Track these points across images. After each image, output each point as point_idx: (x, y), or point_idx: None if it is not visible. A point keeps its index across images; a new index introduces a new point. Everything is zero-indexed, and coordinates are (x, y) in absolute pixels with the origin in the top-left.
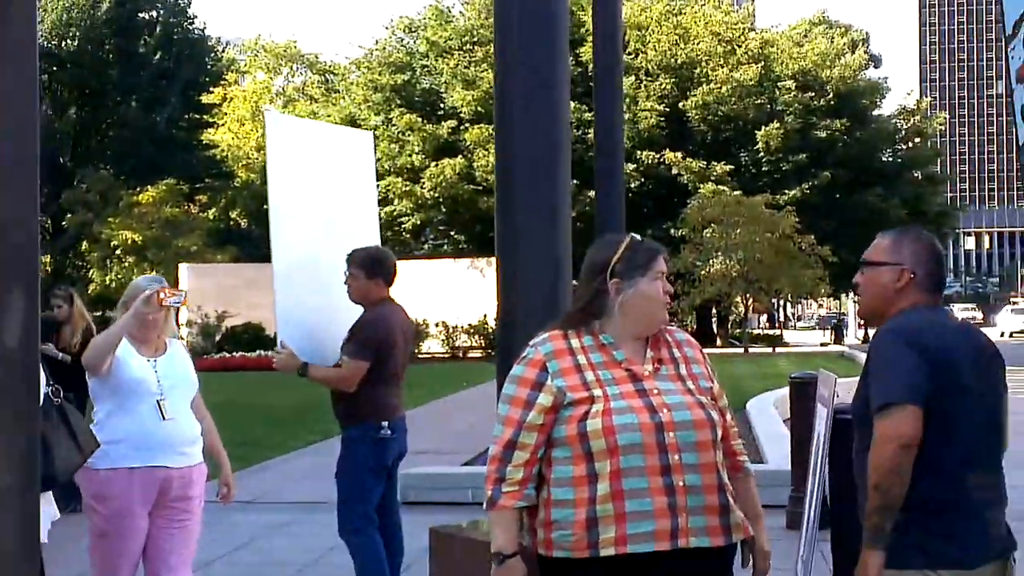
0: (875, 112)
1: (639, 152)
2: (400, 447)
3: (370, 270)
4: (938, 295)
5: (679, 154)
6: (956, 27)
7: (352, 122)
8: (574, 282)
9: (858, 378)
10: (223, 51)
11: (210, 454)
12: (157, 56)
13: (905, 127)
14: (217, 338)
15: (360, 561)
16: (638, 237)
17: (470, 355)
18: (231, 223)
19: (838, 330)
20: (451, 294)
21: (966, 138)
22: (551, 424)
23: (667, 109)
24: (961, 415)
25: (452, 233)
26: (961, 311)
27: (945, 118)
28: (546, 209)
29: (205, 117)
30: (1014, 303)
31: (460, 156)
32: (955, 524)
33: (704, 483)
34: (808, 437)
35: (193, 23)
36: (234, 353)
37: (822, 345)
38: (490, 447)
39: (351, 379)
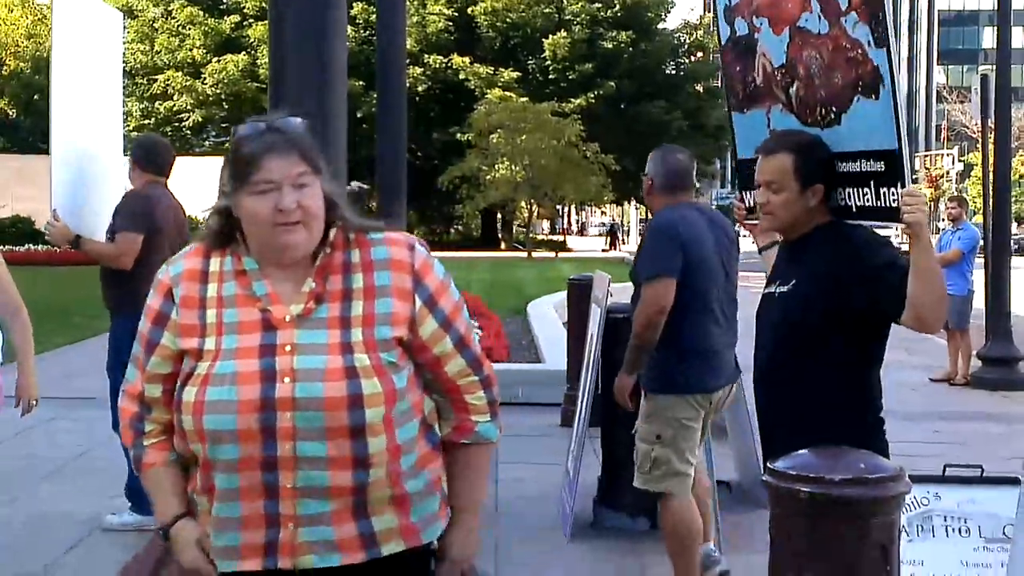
0: (660, 25)
1: (427, 56)
2: None
3: (143, 160)
4: (679, 194)
5: (467, 59)
6: None
7: (129, 12)
8: (356, 185)
9: None
10: None
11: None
12: None
13: (688, 41)
14: None
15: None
16: (248, 128)
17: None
18: None
19: (613, 235)
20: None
21: None
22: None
23: (456, 14)
24: (705, 284)
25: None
26: None
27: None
28: (319, 109)
29: None
30: None
31: (244, 53)
32: (701, 362)
33: (334, 484)
34: (584, 337)
35: None
36: (1, 246)
37: (603, 251)
38: (120, 394)
39: (125, 253)
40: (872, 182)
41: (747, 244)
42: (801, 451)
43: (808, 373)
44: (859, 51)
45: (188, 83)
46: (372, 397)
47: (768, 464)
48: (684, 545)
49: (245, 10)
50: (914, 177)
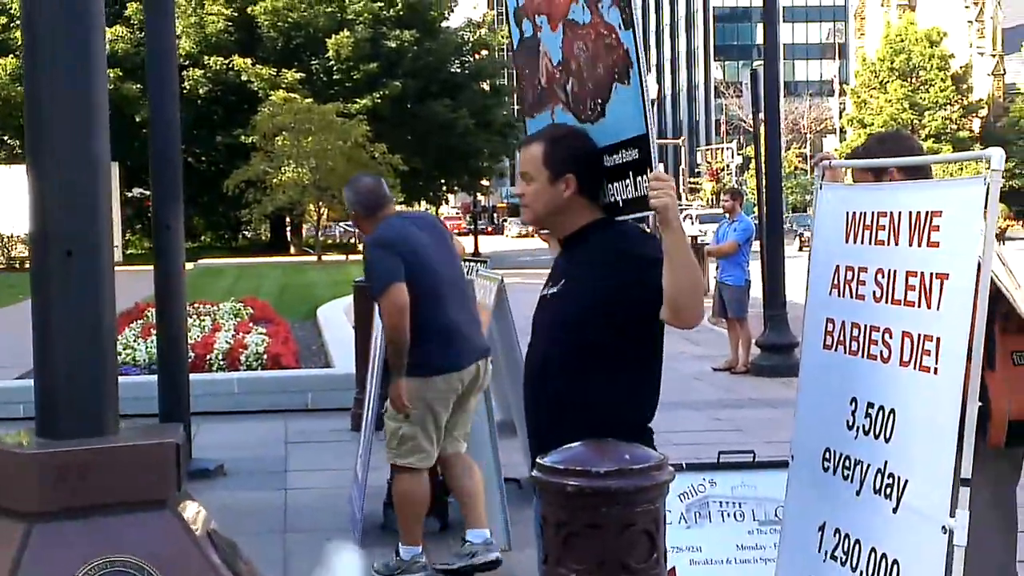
0: (443, 24)
1: (207, 57)
2: None
3: None
4: (380, 211)
5: (249, 60)
6: None
7: None
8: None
9: None
10: None
11: None
12: None
13: (472, 39)
14: None
15: None
16: None
17: (28, 266)
18: None
19: None
20: (5, 202)
21: None
22: None
23: (235, 14)
24: (430, 275)
25: (5, 138)
26: None
27: (509, 32)
28: (79, 109)
29: None
30: None
31: (12, 55)
32: (440, 344)
33: None
34: (370, 340)
35: None
36: None
37: None
38: None
39: None
40: (631, 172)
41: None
42: (570, 445)
43: (577, 372)
44: (614, 36)
45: None
46: None
47: (536, 459)
48: (413, 512)
49: (12, 10)
50: (696, 170)
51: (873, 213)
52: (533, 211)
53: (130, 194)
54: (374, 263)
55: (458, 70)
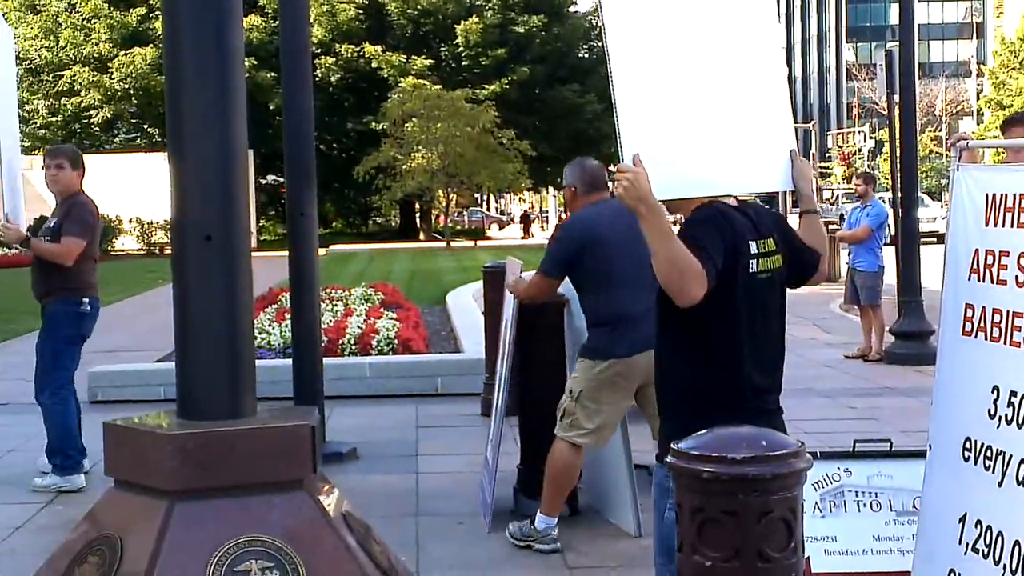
0: (571, 9)
1: (338, 45)
2: (93, 324)
3: (75, 162)
4: (597, 193)
5: (379, 48)
6: None
7: (32, 8)
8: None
9: None
10: None
11: None
12: None
13: (599, 23)
14: None
15: (53, 423)
16: None
17: (167, 251)
18: None
19: (527, 223)
20: (146, 189)
21: None
22: None
23: (366, 2)
24: (609, 269)
25: (145, 127)
26: None
27: None
28: (217, 98)
29: None
30: None
31: (151, 45)
32: (609, 332)
33: None
34: (499, 325)
35: None
36: None
37: (522, 239)
38: None
39: (72, 255)
40: None
41: None
42: (705, 431)
43: (660, 359)
44: None
45: (95, 78)
46: None
47: (672, 445)
48: (559, 484)
49: (151, 2)
50: (827, 154)
51: (1016, 195)
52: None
53: (264, 181)
54: (551, 248)
55: (586, 55)
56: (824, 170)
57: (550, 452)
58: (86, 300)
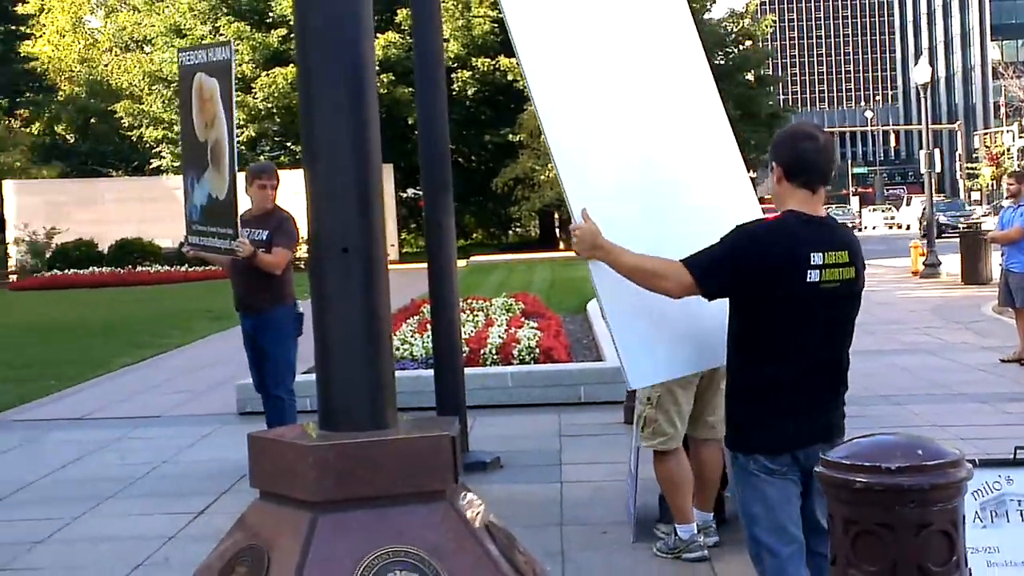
0: (705, 16)
1: (474, 59)
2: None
3: (278, 181)
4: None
5: (514, 60)
6: None
7: (178, 31)
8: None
9: None
10: None
11: None
12: None
13: (735, 30)
14: (47, 255)
15: (290, 418)
16: None
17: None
18: (56, 138)
19: None
20: (290, 205)
21: (795, 41)
22: None
23: (500, 15)
24: None
25: (288, 144)
26: None
27: (773, 22)
28: (351, 116)
29: (21, 28)
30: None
31: (292, 65)
32: None
33: None
34: None
35: None
36: (66, 271)
37: None
38: None
39: (282, 264)
40: None
41: None
42: (857, 439)
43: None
44: None
45: (239, 98)
46: None
47: (821, 454)
48: (676, 491)
49: (291, 23)
50: (974, 155)
51: None
52: None
53: (404, 195)
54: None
55: (722, 61)
56: (972, 171)
57: (655, 468)
58: (298, 303)
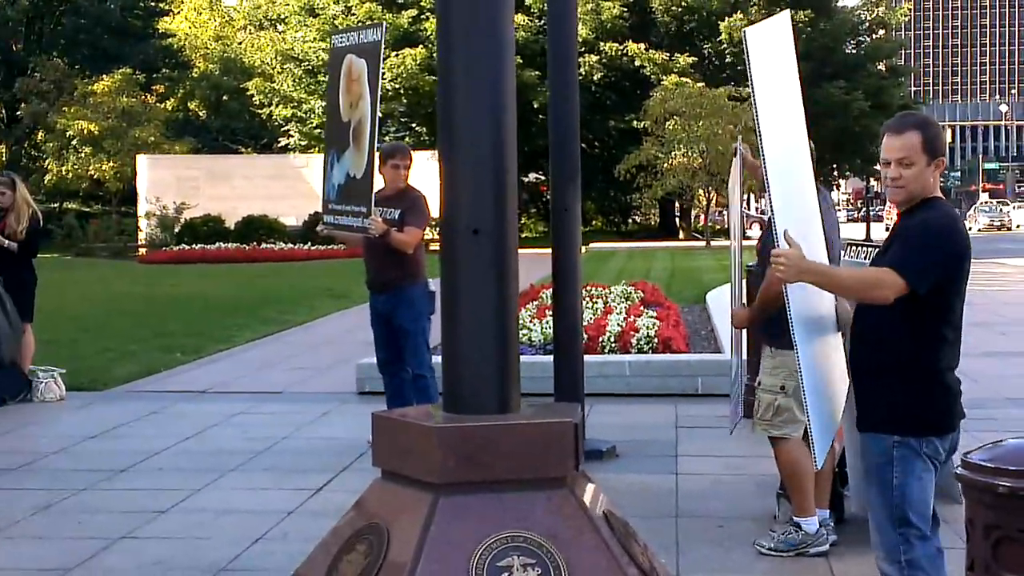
0: (838, 3)
1: (602, 43)
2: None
3: (411, 160)
4: None
5: (642, 45)
6: None
7: (311, 11)
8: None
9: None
10: None
11: None
12: None
13: (868, 19)
14: (176, 230)
15: (434, 394)
16: None
17: (431, 248)
18: (189, 114)
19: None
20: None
21: (930, 31)
22: None
23: (630, 0)
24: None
25: (413, 125)
26: None
27: (908, 10)
28: (490, 98)
29: (160, 5)
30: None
31: (421, 46)
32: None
33: None
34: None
35: None
36: (193, 245)
37: None
38: None
39: (414, 243)
40: None
41: None
42: (1000, 442)
43: (875, 335)
44: None
45: None
46: None
47: (962, 456)
48: (801, 481)
49: (422, 3)
50: None
51: None
52: (909, 192)
53: (525, 179)
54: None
55: (853, 51)
56: None
57: (778, 455)
58: (431, 281)
